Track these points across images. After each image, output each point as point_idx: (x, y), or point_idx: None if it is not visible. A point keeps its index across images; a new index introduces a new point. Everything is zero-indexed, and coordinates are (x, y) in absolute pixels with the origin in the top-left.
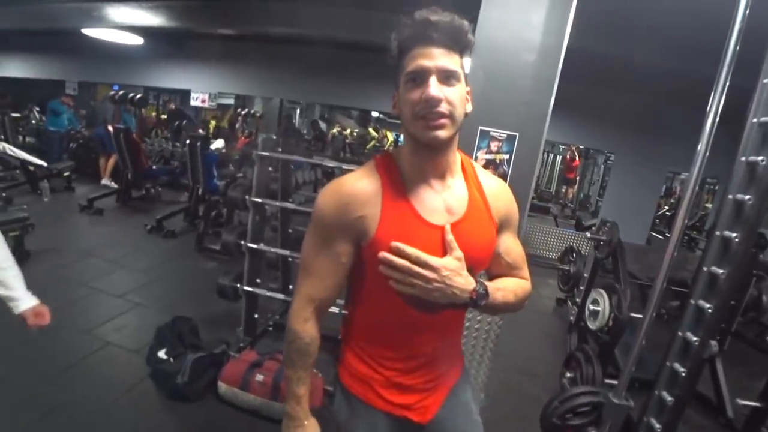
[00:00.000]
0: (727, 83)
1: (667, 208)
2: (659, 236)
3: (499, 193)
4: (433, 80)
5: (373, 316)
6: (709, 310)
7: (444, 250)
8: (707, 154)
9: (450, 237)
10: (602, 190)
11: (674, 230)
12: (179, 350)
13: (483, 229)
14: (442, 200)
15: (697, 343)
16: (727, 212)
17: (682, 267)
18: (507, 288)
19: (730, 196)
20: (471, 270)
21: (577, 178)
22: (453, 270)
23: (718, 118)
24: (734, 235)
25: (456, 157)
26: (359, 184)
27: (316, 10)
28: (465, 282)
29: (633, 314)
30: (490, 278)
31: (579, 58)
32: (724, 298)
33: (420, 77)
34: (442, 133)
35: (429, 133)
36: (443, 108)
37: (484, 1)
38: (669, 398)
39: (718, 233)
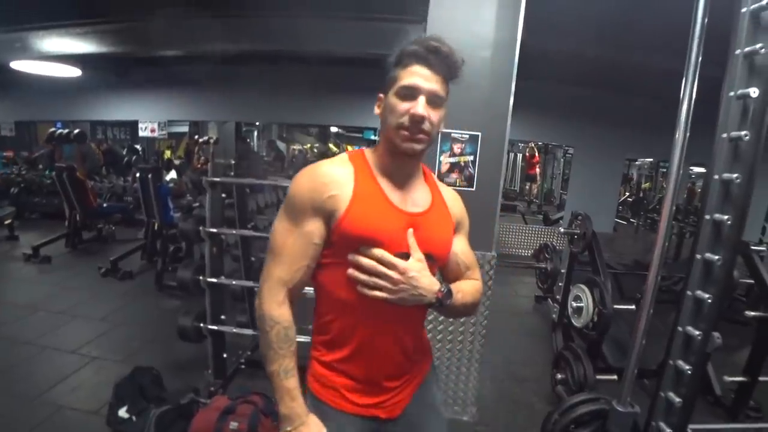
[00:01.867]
0: (698, 67)
1: (627, 194)
2: (623, 222)
3: (454, 200)
4: (422, 100)
5: (339, 311)
6: (709, 300)
7: (406, 236)
8: (686, 141)
9: (412, 240)
10: (564, 184)
11: (662, 220)
12: (142, 405)
13: (445, 225)
14: (408, 193)
15: (699, 337)
16: (714, 194)
17: (649, 250)
18: (465, 290)
19: (716, 177)
20: (433, 261)
21: (539, 173)
22: (418, 271)
23: (693, 103)
24: (726, 217)
25: (420, 165)
26: (333, 168)
27: (264, 23)
28: (430, 282)
29: (615, 306)
30: (447, 281)
31: (530, 55)
32: (723, 286)
33: (411, 93)
34: (419, 147)
35: (408, 144)
36: (425, 126)
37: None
38: (677, 399)
39: (708, 217)
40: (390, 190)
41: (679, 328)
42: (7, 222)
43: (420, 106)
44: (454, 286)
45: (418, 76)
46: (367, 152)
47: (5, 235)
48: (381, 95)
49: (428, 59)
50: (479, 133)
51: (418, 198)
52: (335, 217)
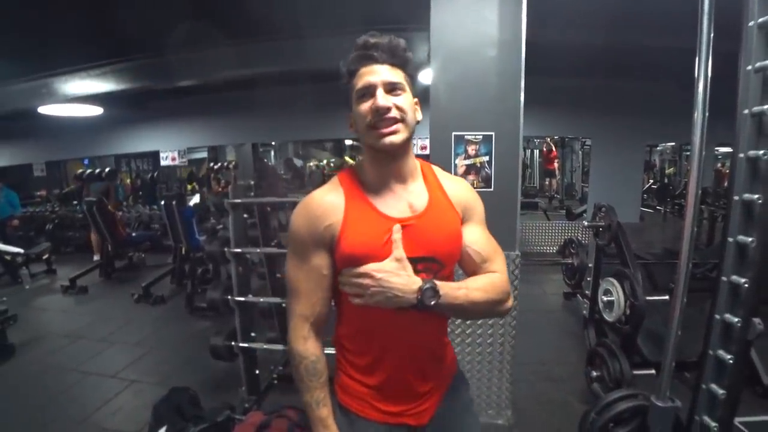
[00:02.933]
0: (711, 43)
1: (651, 182)
2: (650, 210)
3: (458, 188)
4: (380, 92)
5: (354, 325)
6: (745, 285)
7: (408, 243)
8: (705, 121)
9: (396, 236)
10: (585, 176)
11: (688, 206)
12: (180, 425)
13: (447, 220)
14: (404, 200)
15: (739, 325)
16: (741, 173)
17: (679, 237)
18: (471, 286)
19: (741, 155)
20: (439, 263)
21: (558, 168)
22: (389, 271)
23: (709, 81)
24: (756, 196)
25: (414, 163)
26: (324, 197)
27: (272, 46)
28: (406, 281)
29: (648, 297)
30: (462, 267)
31: (537, 49)
32: (759, 269)
33: (368, 92)
34: (396, 138)
35: (384, 140)
36: (394, 114)
37: (432, 5)
38: (720, 391)
39: (737, 198)
40: (380, 201)
41: (717, 316)
42: (44, 257)
43: (379, 98)
44: (454, 283)
45: (367, 74)
46: (356, 166)
47: (44, 269)
48: (349, 113)
49: (370, 55)
50: (492, 133)
51: (414, 201)
52: (333, 243)
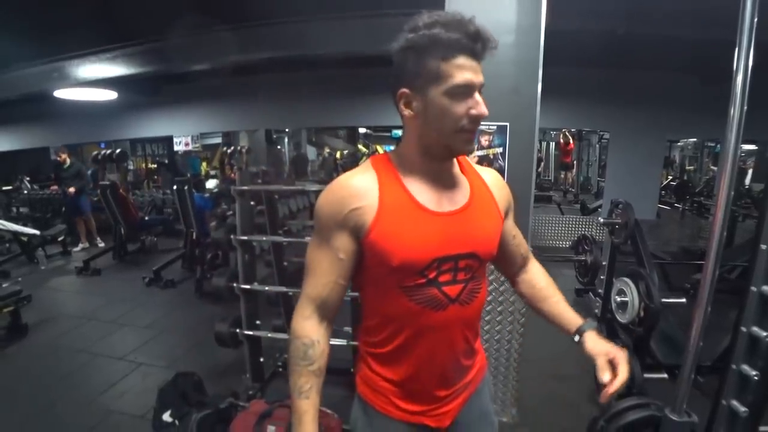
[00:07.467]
0: (753, 33)
1: (670, 178)
2: (667, 207)
3: (499, 184)
4: (479, 96)
5: (380, 318)
6: None
7: (452, 238)
8: (743, 117)
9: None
10: (601, 170)
11: (718, 209)
12: (184, 410)
13: (489, 216)
14: (443, 191)
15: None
16: None
17: (697, 236)
18: (559, 296)
19: None
20: (480, 260)
21: (574, 161)
22: None
23: (749, 77)
24: None
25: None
26: (354, 180)
27: (284, 30)
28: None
29: (663, 299)
30: (507, 273)
31: (556, 38)
32: None
33: (467, 92)
34: (474, 145)
35: (469, 147)
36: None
37: None
38: (742, 408)
39: None
40: (421, 192)
41: (743, 329)
42: (60, 239)
43: (482, 105)
44: (561, 305)
45: (468, 70)
46: (393, 155)
47: (59, 251)
48: (406, 90)
49: (473, 48)
50: (507, 124)
51: (454, 193)
52: (363, 231)
